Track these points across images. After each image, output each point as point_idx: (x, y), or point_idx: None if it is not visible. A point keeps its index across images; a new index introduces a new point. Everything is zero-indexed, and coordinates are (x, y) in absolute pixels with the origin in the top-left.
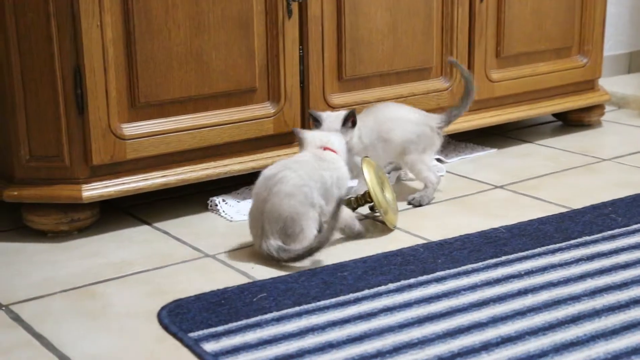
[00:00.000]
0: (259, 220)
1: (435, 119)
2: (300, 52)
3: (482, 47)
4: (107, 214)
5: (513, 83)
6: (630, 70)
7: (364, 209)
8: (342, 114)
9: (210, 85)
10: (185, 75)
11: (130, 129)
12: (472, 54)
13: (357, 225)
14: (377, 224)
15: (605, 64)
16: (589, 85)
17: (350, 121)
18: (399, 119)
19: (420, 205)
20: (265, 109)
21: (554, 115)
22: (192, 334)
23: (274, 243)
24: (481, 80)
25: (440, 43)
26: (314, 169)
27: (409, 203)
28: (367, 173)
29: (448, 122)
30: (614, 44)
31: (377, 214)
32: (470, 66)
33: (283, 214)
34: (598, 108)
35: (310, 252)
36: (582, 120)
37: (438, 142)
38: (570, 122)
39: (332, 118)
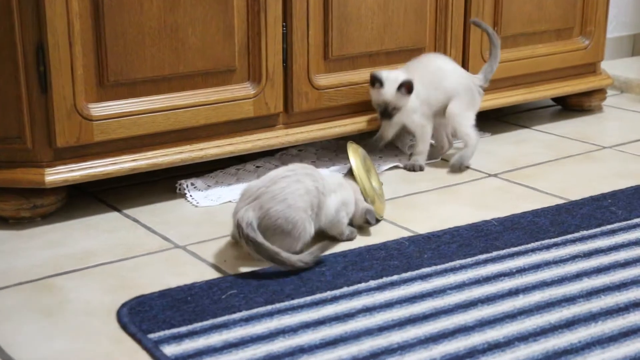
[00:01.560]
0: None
1: (477, 78)
2: (283, 30)
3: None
4: (75, 199)
5: (511, 65)
6: (634, 53)
7: None
8: (400, 77)
9: (185, 63)
10: (159, 52)
11: (98, 109)
12: (468, 35)
13: (347, 232)
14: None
15: (608, 47)
16: (591, 68)
17: (405, 88)
18: (449, 70)
19: (461, 168)
20: (245, 89)
21: (553, 99)
22: (152, 335)
23: (249, 214)
24: (477, 62)
25: (434, 22)
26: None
27: (451, 169)
28: (353, 160)
29: (486, 79)
30: (617, 25)
31: None
32: (465, 47)
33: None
34: (599, 92)
35: (276, 257)
36: (582, 105)
37: (479, 100)
38: (570, 106)
39: (391, 80)
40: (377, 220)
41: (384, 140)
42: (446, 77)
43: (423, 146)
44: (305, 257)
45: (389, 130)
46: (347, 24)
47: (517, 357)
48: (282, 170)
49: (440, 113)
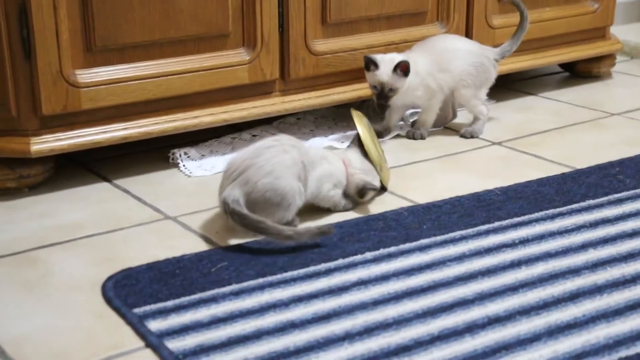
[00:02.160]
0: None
1: (492, 51)
2: None
3: None
4: (64, 169)
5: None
6: None
7: None
8: (396, 58)
9: (177, 28)
10: (149, 16)
11: (86, 75)
12: None
13: (342, 203)
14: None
15: (618, 11)
16: (600, 33)
17: (401, 69)
18: (458, 50)
19: (472, 137)
20: (239, 55)
21: (561, 65)
22: (137, 310)
23: (235, 192)
24: (481, 27)
25: None
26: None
27: (462, 136)
28: (360, 127)
29: (503, 56)
30: None
31: None
32: (469, 11)
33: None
34: (609, 58)
35: (260, 226)
36: (591, 71)
37: (494, 75)
38: (578, 73)
39: (387, 61)
40: (384, 189)
41: (390, 132)
42: (453, 59)
43: (427, 116)
44: (300, 230)
45: (394, 118)
46: None
47: (519, 332)
48: (267, 141)
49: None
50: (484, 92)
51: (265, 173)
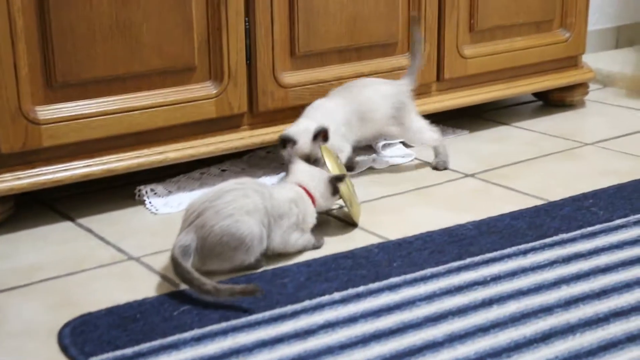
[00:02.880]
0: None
1: (403, 84)
2: (246, 25)
3: (453, 20)
4: (25, 208)
5: (488, 59)
6: (618, 46)
7: None
8: (310, 126)
9: (141, 62)
10: (111, 50)
11: (47, 112)
12: (443, 28)
13: (312, 242)
14: (330, 221)
15: (590, 39)
16: (572, 61)
17: (321, 137)
18: (378, 96)
19: (445, 168)
20: (205, 89)
21: (534, 94)
22: (94, 359)
23: (188, 237)
24: (453, 57)
25: (407, 15)
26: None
27: (434, 168)
28: (329, 163)
29: (413, 81)
30: (600, 17)
31: (337, 208)
32: (440, 41)
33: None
34: (581, 87)
35: (194, 282)
36: (564, 100)
37: (414, 103)
38: (552, 102)
39: (302, 132)
40: (354, 225)
41: (359, 166)
42: (376, 110)
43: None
44: (221, 287)
45: (354, 155)
46: (314, 17)
47: None
48: (229, 184)
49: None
50: (418, 119)
51: (223, 217)
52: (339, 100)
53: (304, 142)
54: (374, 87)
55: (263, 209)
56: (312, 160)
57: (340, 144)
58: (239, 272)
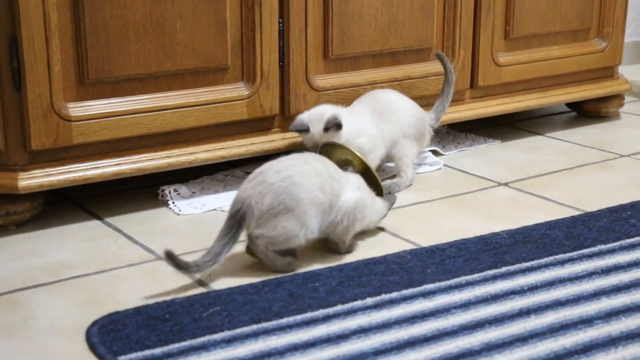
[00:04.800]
0: None
1: (428, 115)
2: (279, 26)
3: (489, 26)
4: (54, 206)
5: (523, 68)
6: None
7: None
8: (324, 114)
9: (174, 61)
10: (144, 48)
11: (78, 109)
12: (478, 35)
13: (348, 241)
14: None
15: (626, 51)
16: (608, 72)
17: (333, 127)
18: (401, 102)
19: (390, 193)
20: (238, 90)
21: (568, 105)
22: (122, 357)
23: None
24: (487, 64)
25: (442, 20)
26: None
27: (388, 189)
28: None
29: (437, 119)
30: (634, 29)
31: None
32: (475, 48)
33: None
34: (617, 98)
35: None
36: (599, 111)
37: (428, 138)
38: (586, 113)
39: (314, 120)
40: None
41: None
42: (398, 110)
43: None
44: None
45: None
46: (348, 21)
47: None
48: (289, 155)
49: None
50: (416, 151)
51: (283, 177)
52: (363, 105)
53: (316, 131)
54: (401, 97)
55: (326, 173)
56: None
57: (372, 144)
58: (274, 274)
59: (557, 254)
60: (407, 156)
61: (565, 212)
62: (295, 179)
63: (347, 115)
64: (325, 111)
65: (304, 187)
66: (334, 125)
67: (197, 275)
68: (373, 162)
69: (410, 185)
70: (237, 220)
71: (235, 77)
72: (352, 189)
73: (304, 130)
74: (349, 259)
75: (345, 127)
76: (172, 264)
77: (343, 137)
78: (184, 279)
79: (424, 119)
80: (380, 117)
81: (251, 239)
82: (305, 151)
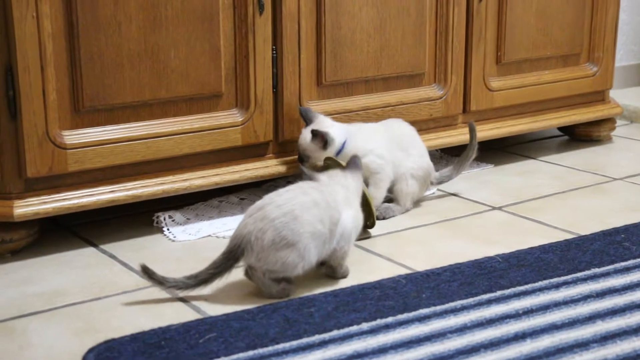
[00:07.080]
0: None
1: (434, 172)
2: (273, 53)
3: (480, 52)
4: (49, 233)
5: (515, 92)
6: None
7: None
8: (323, 125)
9: (168, 88)
10: (139, 76)
11: (73, 137)
12: (469, 60)
13: (345, 263)
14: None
15: (616, 76)
16: (599, 96)
17: (319, 139)
18: (420, 143)
19: (384, 218)
20: (232, 116)
21: (560, 129)
22: None
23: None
24: (479, 89)
25: (434, 46)
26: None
27: (381, 215)
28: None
29: (440, 181)
30: (625, 53)
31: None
32: (467, 73)
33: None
34: (609, 122)
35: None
36: (590, 135)
37: (425, 190)
38: (578, 136)
39: (308, 128)
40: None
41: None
42: (416, 148)
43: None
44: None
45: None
46: (341, 47)
47: None
48: (286, 187)
49: None
50: (419, 191)
51: (284, 212)
52: (381, 128)
53: (306, 134)
54: (420, 139)
55: (324, 202)
56: (303, 152)
57: (378, 165)
58: (269, 300)
59: (551, 277)
60: (410, 194)
61: (560, 236)
62: (297, 212)
63: (355, 131)
64: (330, 125)
65: (305, 221)
66: (321, 139)
67: (180, 294)
68: (382, 183)
69: (401, 213)
70: (234, 255)
71: (229, 103)
72: (345, 207)
73: (307, 120)
74: (344, 284)
75: (351, 143)
76: (147, 277)
77: (322, 156)
78: (179, 306)
79: (432, 170)
80: (397, 146)
81: (249, 266)
82: (299, 179)
